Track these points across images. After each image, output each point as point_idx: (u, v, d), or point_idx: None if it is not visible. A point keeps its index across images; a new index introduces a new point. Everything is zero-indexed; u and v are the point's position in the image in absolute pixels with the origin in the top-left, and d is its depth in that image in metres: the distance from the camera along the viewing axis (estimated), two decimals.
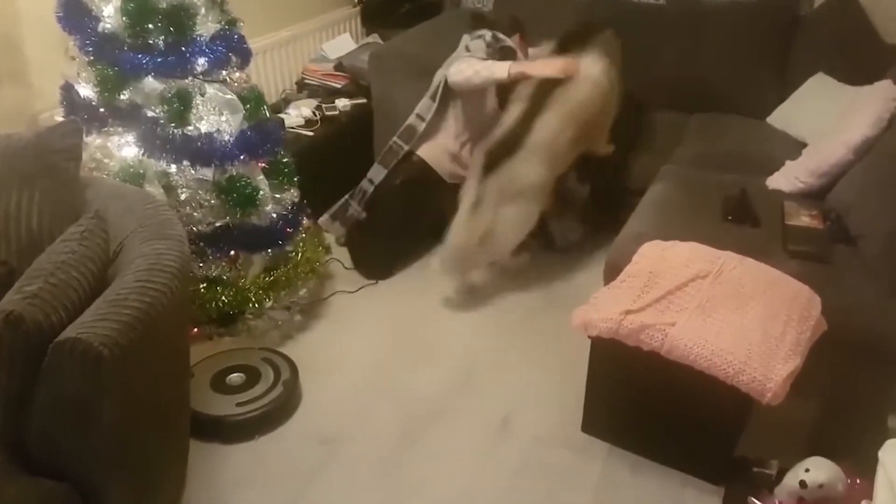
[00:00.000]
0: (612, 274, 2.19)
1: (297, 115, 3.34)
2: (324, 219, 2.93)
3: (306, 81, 3.66)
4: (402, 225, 2.92)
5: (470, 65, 2.61)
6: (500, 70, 2.55)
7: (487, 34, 2.81)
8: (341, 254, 3.03)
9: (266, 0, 3.49)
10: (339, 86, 3.58)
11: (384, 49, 3.43)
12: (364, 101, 3.49)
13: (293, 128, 3.26)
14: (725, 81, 3.24)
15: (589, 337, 1.89)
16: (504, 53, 2.81)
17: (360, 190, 2.89)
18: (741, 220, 2.31)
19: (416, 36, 3.51)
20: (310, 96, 3.56)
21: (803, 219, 2.26)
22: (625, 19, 3.41)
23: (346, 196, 2.92)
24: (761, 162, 2.72)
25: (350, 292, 2.84)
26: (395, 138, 2.85)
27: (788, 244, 2.16)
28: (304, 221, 2.68)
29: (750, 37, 3.21)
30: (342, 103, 3.45)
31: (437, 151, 2.85)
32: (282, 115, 3.31)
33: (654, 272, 1.91)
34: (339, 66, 3.66)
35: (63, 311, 1.37)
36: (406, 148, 2.82)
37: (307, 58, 3.79)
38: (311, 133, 3.26)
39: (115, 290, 1.43)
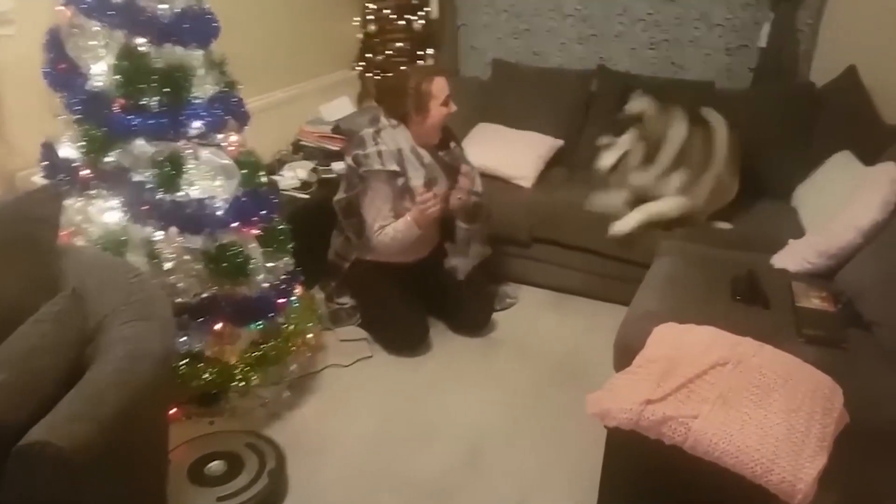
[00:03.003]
0: (622, 354, 2.09)
1: (293, 176, 3.25)
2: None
3: (302, 143, 3.59)
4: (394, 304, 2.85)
5: (385, 231, 2.71)
6: (412, 229, 2.66)
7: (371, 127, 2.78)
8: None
9: (264, 60, 3.44)
10: (336, 148, 3.51)
11: None
12: None
13: (287, 190, 3.17)
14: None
15: (606, 427, 1.75)
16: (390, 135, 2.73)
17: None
18: (751, 301, 2.22)
19: None
20: (305, 158, 3.48)
21: (814, 301, 2.18)
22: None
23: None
24: (763, 239, 2.67)
25: (344, 366, 2.68)
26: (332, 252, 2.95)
27: (802, 328, 2.06)
28: (298, 289, 2.56)
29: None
30: (338, 166, 3.36)
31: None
32: (276, 177, 3.21)
33: (673, 358, 1.79)
34: (337, 128, 3.59)
35: (33, 404, 1.23)
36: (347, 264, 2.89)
37: (304, 119, 3.72)
38: (306, 196, 3.17)
39: (93, 379, 1.29)
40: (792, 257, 2.44)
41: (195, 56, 2.10)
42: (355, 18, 3.99)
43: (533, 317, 3.06)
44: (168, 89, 2.04)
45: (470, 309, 2.91)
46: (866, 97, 3.00)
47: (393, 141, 2.69)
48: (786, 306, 2.18)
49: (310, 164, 3.37)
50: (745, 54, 3.51)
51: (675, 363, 1.77)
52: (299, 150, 3.57)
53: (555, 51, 3.92)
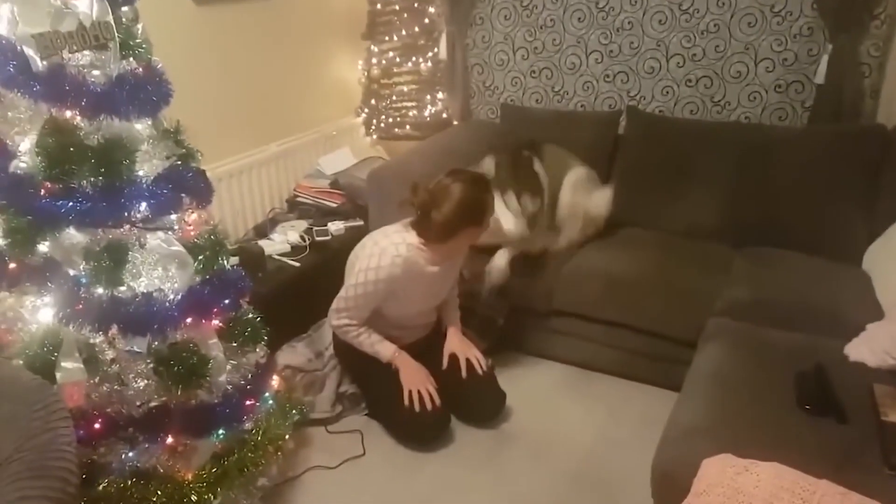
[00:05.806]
0: (662, 484, 1.71)
1: (283, 240, 2.94)
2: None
3: (298, 199, 3.27)
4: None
5: (350, 326, 2.41)
6: (381, 355, 2.44)
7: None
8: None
9: (260, 111, 3.14)
10: (334, 205, 3.19)
11: (385, 168, 3.02)
12: (360, 223, 3.10)
13: (276, 256, 2.85)
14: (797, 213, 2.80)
15: None
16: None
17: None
18: (822, 410, 1.78)
19: (424, 152, 3.12)
20: (300, 217, 3.17)
21: None
22: (671, 136, 3.11)
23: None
24: (831, 317, 2.23)
25: (330, 468, 2.32)
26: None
27: (891, 455, 1.61)
28: (275, 382, 2.21)
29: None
30: (335, 226, 3.05)
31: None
32: (265, 241, 2.92)
33: None
34: (335, 183, 3.27)
35: None
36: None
37: (302, 173, 3.41)
38: (297, 263, 2.83)
39: None
40: (871, 349, 1.98)
41: (139, 128, 1.79)
42: (358, 62, 3.68)
43: (554, 402, 2.65)
44: (104, 169, 1.72)
45: (480, 394, 2.52)
46: None
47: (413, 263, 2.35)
48: (867, 420, 1.74)
49: (304, 225, 3.05)
50: (798, 91, 3.09)
51: None
52: (295, 207, 3.25)
53: (578, 90, 3.55)
